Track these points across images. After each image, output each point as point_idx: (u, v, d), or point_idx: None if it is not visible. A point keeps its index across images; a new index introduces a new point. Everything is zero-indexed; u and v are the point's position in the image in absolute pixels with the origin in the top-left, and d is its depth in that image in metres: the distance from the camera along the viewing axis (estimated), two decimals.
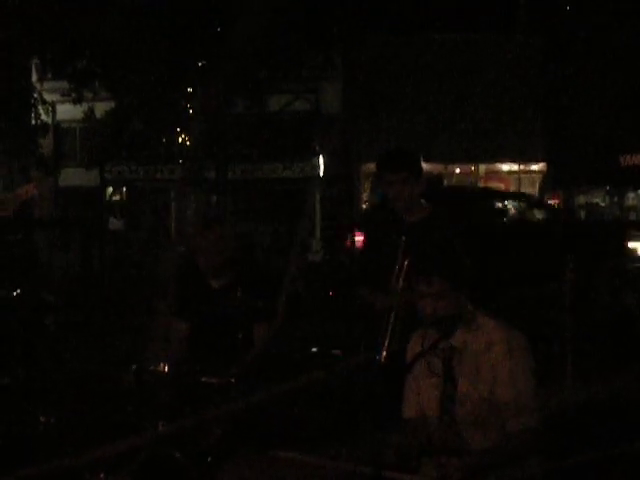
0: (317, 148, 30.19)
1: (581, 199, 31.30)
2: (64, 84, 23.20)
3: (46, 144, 27.74)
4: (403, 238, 4.30)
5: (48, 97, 26.07)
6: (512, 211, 17.36)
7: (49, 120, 27.69)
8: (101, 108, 24.85)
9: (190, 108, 23.62)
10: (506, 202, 17.48)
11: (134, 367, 4.05)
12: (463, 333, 3.68)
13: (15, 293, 7.46)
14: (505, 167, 31.81)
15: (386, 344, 2.95)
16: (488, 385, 3.56)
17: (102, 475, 3.34)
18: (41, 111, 25.57)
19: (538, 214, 17.62)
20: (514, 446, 3.53)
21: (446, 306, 3.62)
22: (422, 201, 4.93)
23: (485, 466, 3.46)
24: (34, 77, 27.80)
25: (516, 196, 21.00)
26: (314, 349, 6.97)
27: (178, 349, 5.12)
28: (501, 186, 32.25)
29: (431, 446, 3.64)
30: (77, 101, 22.87)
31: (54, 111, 29.47)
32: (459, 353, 3.67)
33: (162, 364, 4.13)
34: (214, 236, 5.06)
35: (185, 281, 5.34)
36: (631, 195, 30.85)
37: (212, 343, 4.96)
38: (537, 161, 30.97)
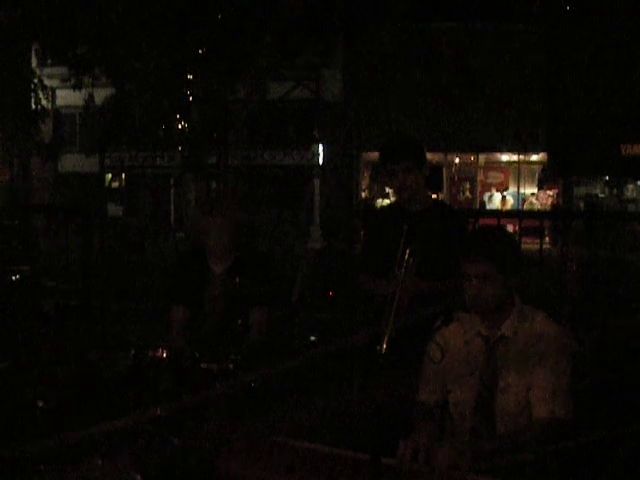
0: (317, 135, 30.17)
1: (581, 190, 31.27)
2: (64, 70, 23.16)
3: (45, 130, 27.70)
4: (405, 227, 4.28)
5: (48, 82, 26.03)
6: None
7: (49, 106, 27.64)
8: (101, 94, 24.82)
9: (190, 95, 23.60)
10: None
11: (133, 352, 4.04)
12: (514, 322, 3.63)
13: (14, 278, 7.45)
14: (505, 157, 31.78)
15: (387, 334, 2.93)
16: (531, 376, 3.51)
17: (100, 461, 3.33)
18: (41, 96, 25.52)
19: None
20: (535, 433, 3.44)
21: (490, 290, 3.56)
22: (425, 190, 4.90)
23: (498, 452, 3.35)
24: (34, 62, 27.75)
25: None
26: (312, 338, 6.95)
27: (177, 334, 5.12)
28: (501, 176, 32.28)
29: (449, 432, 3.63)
30: (77, 87, 22.84)
31: (54, 97, 29.42)
32: (506, 342, 3.62)
33: (161, 350, 4.11)
34: (222, 217, 5.03)
35: (186, 266, 5.31)
36: (630, 187, 30.85)
37: (212, 329, 4.96)
38: (537, 151, 30.92)
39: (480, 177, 32.50)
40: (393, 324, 2.99)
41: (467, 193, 32.45)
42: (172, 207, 32.65)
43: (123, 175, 32.47)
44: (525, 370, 3.54)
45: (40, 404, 4.05)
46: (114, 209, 30.43)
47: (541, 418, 3.47)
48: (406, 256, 3.51)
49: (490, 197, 31.47)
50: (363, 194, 31.56)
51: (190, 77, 23.07)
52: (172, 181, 31.87)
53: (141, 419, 3.06)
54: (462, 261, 3.62)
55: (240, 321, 4.79)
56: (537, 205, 30.11)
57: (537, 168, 31.72)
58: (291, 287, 5.20)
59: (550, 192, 30.98)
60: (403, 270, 3.48)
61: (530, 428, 3.48)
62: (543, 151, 30.60)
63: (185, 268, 5.29)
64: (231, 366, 4.04)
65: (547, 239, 21.16)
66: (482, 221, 7.82)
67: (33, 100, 25.44)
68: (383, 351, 2.93)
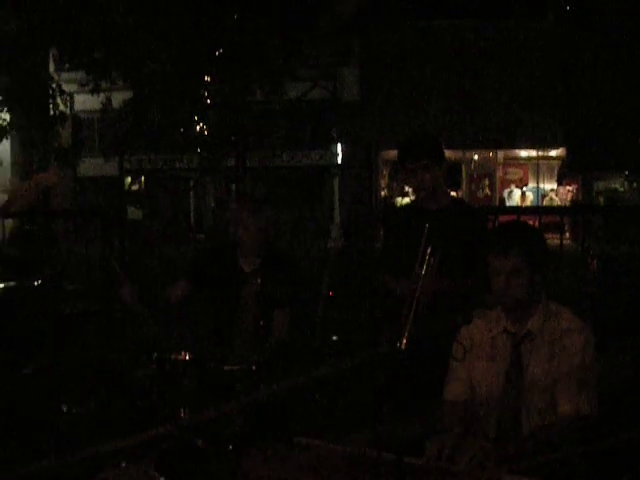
0: (335, 135, 30.16)
1: (601, 185, 31.12)
2: (82, 74, 23.22)
3: (64, 135, 27.78)
4: (426, 225, 4.28)
5: (66, 87, 26.08)
6: None
7: (67, 111, 27.70)
8: (119, 98, 24.87)
9: (208, 97, 23.62)
10: None
11: (155, 355, 4.04)
12: (540, 318, 3.61)
13: (36, 282, 7.49)
14: (523, 153, 31.67)
15: (407, 330, 2.93)
16: (558, 373, 3.50)
17: (123, 464, 3.33)
18: (59, 101, 25.57)
19: None
20: (560, 430, 3.42)
21: (519, 285, 3.54)
22: (444, 188, 4.89)
23: (525, 452, 3.32)
24: (51, 67, 27.83)
25: None
26: (334, 337, 6.94)
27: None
28: (520, 172, 32.17)
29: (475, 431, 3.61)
30: (95, 91, 22.89)
31: (72, 101, 29.51)
32: (532, 338, 3.60)
33: (184, 352, 4.12)
34: (263, 215, 5.06)
35: (215, 257, 5.30)
36: None
37: (235, 329, 4.99)
38: (556, 147, 30.81)
39: (499, 173, 32.40)
40: (413, 321, 2.99)
41: (486, 190, 32.36)
42: (192, 209, 32.76)
43: (142, 178, 32.58)
44: (551, 366, 3.52)
45: (64, 409, 4.06)
46: (134, 212, 30.48)
47: (566, 414, 3.46)
48: (427, 254, 3.50)
49: (510, 193, 31.37)
50: (382, 193, 31.53)
51: (208, 79, 23.09)
52: (191, 183, 31.95)
53: (165, 430, 3.06)
54: (491, 256, 3.60)
55: (262, 322, 4.80)
56: (557, 201, 30.00)
57: (556, 163, 31.59)
58: (312, 287, 5.20)
59: (569, 187, 30.87)
60: (424, 268, 3.48)
61: (555, 425, 3.46)
62: (562, 146, 30.48)
63: (213, 259, 5.29)
64: (253, 367, 4.04)
65: (567, 234, 21.06)
66: (502, 218, 7.80)
67: (51, 105, 25.49)
68: (403, 347, 2.93)
